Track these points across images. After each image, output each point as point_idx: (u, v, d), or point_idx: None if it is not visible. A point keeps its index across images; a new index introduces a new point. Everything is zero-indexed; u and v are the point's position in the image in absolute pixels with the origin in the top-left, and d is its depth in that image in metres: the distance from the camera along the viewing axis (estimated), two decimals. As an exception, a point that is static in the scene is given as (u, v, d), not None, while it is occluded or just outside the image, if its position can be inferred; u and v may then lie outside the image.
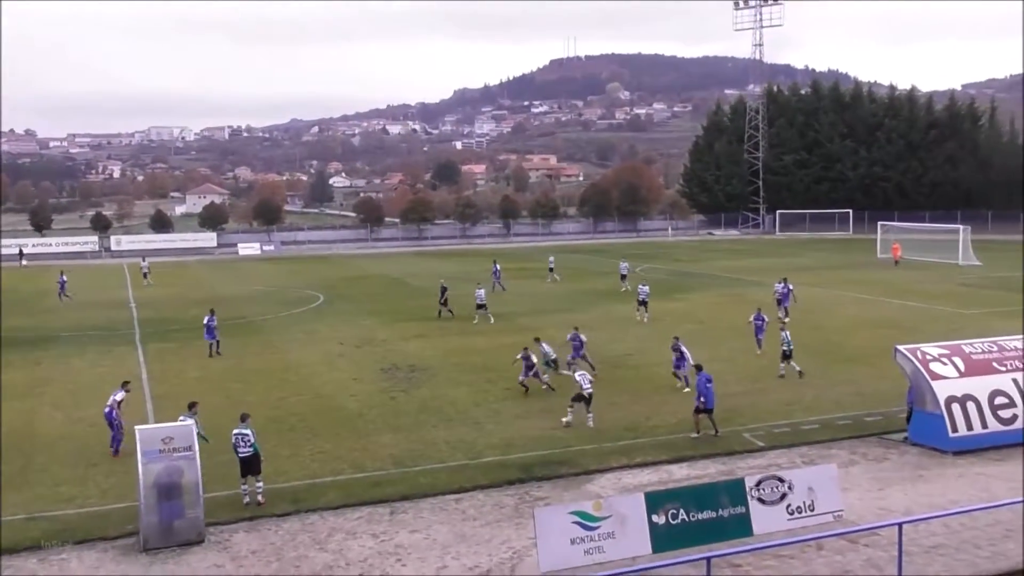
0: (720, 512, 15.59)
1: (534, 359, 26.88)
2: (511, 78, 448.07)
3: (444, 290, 43.15)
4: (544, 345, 28.40)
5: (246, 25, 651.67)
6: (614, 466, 20.19)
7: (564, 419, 23.13)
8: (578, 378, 23.33)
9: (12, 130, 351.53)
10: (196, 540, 16.27)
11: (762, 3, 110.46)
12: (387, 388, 28.27)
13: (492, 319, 40.70)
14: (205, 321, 34.46)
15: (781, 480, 16.29)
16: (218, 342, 34.21)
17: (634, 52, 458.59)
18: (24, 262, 79.90)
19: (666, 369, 28.12)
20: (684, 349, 27.35)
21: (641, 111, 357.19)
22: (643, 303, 40.28)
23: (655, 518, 15.16)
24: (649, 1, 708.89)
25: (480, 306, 41.23)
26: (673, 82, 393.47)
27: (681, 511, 15.34)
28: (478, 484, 19.09)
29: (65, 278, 53.17)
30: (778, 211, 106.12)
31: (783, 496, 16.10)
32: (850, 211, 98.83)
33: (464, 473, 19.83)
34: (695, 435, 21.88)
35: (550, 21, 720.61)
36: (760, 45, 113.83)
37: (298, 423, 24.19)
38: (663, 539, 15.06)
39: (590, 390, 23.00)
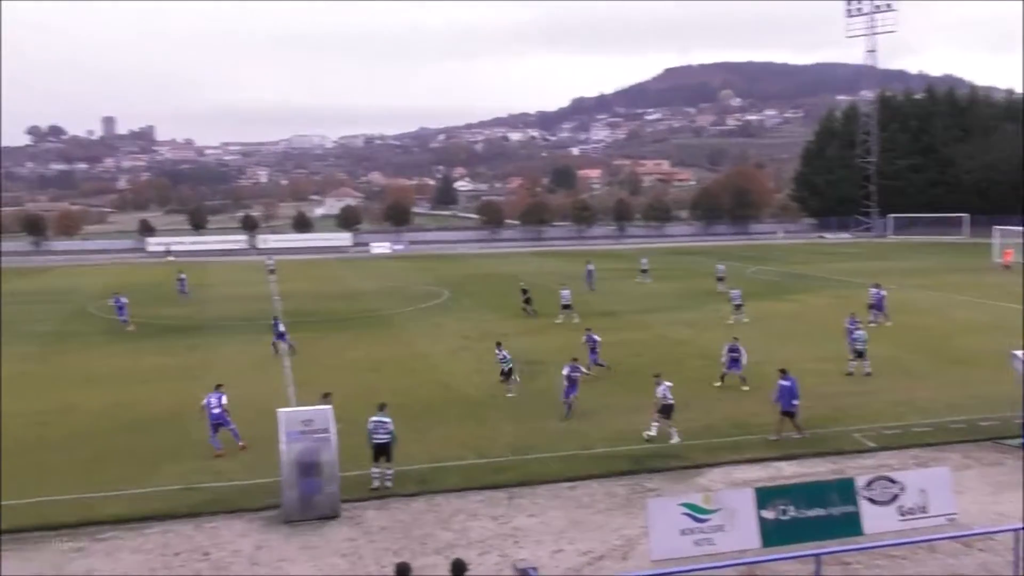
0: (830, 510, 15.06)
1: (583, 369, 25.41)
2: (626, 87, 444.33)
3: (525, 291, 43.00)
4: (503, 351, 26.75)
5: (379, 42, 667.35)
6: (723, 461, 19.78)
7: (646, 432, 21.37)
8: (660, 391, 21.48)
9: (174, 139, 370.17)
10: (331, 515, 16.73)
11: (875, 9, 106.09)
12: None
13: (577, 318, 39.55)
14: (273, 323, 33.91)
15: (893, 481, 15.60)
16: (291, 345, 33.19)
17: (745, 60, 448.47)
18: (171, 257, 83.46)
19: (773, 368, 27.30)
20: (742, 350, 26.69)
21: (752, 117, 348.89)
22: (738, 307, 39.52)
23: (765, 513, 14.76)
24: (762, 4, 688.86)
25: (565, 306, 40.53)
26: (784, 89, 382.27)
27: (791, 508, 14.88)
28: (591, 473, 19.01)
29: (184, 276, 54.30)
30: (891, 215, 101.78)
31: (895, 497, 15.42)
32: (966, 215, 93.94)
33: (577, 462, 19.76)
34: (798, 435, 21.11)
35: (664, 32, 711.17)
36: (873, 51, 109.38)
37: (424, 410, 24.57)
38: (773, 534, 14.65)
39: (672, 400, 21.37)
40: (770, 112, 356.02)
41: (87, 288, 57.97)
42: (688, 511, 14.55)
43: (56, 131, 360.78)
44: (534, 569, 12.31)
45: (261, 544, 15.69)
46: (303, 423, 17.04)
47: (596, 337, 29.53)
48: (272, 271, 64.49)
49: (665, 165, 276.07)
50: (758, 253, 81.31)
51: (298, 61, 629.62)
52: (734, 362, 26.60)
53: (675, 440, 21.09)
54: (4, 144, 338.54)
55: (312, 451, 16.81)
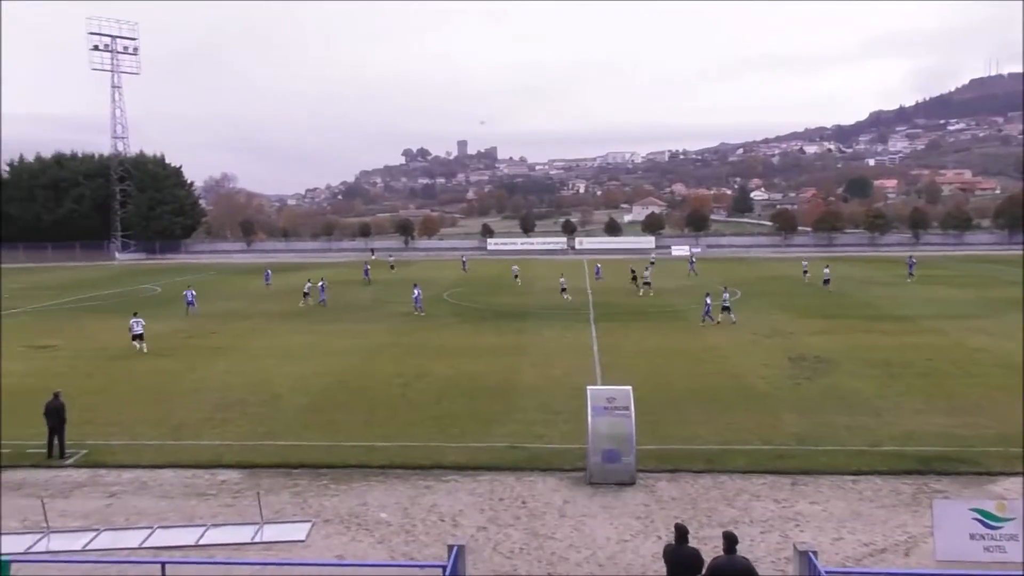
0: None
1: None
2: (927, 99, 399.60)
3: (634, 272, 48.01)
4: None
5: (685, 63, 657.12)
6: (1020, 471, 17.20)
7: None
8: None
9: (511, 157, 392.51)
10: (628, 482, 16.87)
11: None
12: (793, 375, 26.89)
13: (734, 319, 37.65)
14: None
15: None
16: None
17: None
18: (373, 256, 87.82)
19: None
20: None
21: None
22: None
23: (1067, 529, 12.64)
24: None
25: (725, 308, 38.08)
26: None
27: (1098, 526, 12.60)
28: (876, 469, 17.41)
29: (369, 266, 63.97)
30: None
31: None
32: None
33: (862, 458, 18.18)
34: None
35: (971, 42, 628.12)
36: None
37: (713, 397, 23.95)
38: (1075, 551, 12.50)
39: None
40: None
41: (442, 279, 63.39)
42: (979, 516, 12.84)
43: (423, 153, 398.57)
44: (814, 552, 11.55)
45: (568, 499, 16.22)
46: (607, 400, 17.34)
47: None
48: (516, 276, 60.68)
49: (967, 175, 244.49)
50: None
51: (613, 85, 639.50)
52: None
53: None
54: (385, 163, 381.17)
55: (614, 425, 17.06)
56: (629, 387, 17.97)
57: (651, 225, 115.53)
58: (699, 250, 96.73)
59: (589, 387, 18.32)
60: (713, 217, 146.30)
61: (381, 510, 15.86)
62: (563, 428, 20.84)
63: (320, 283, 49.71)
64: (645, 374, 26.33)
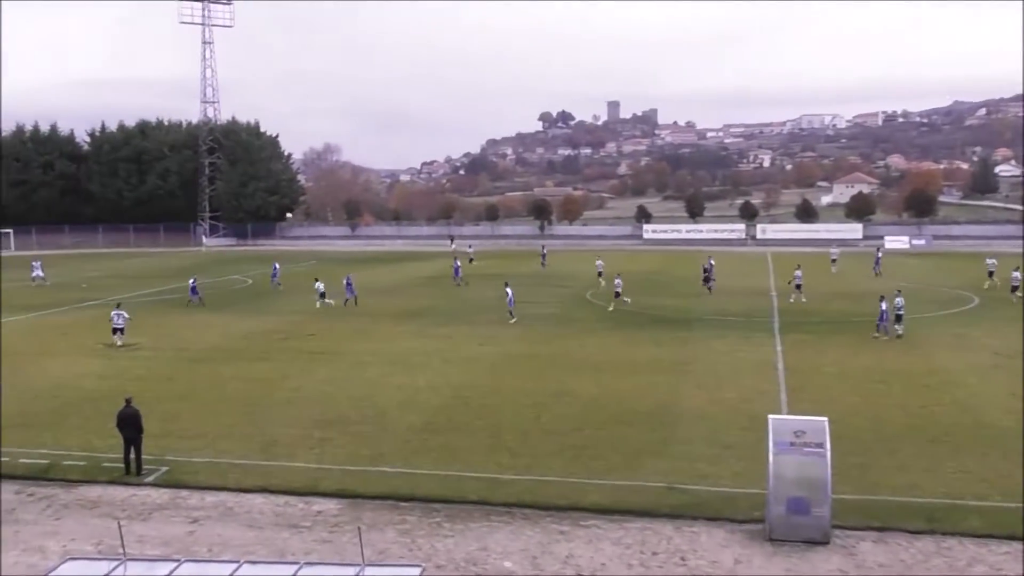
0: None
1: None
2: None
3: (706, 269, 53.77)
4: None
5: (913, 10, 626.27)
6: None
7: None
8: None
9: (675, 122, 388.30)
10: (820, 540, 16.38)
11: None
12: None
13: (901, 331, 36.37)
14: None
15: None
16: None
17: None
18: (453, 245, 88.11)
19: None
20: None
21: None
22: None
23: None
24: None
25: (899, 315, 36.90)
26: None
27: None
28: None
29: (459, 263, 61.90)
30: None
31: None
32: None
33: None
34: None
35: None
36: None
37: (940, 435, 22.83)
38: None
39: None
40: None
41: (583, 274, 63.53)
42: None
43: (565, 117, 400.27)
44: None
45: (741, 559, 15.91)
46: (794, 434, 16.87)
47: None
48: (600, 274, 58.98)
49: None
50: None
51: (809, 30, 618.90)
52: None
53: None
54: (518, 131, 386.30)
55: (803, 466, 16.58)
56: (824, 418, 17.44)
57: (857, 209, 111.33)
58: (922, 242, 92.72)
59: (771, 416, 17.96)
60: (943, 199, 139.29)
61: (505, 558, 16.09)
62: (736, 467, 20.48)
63: (345, 278, 51.32)
64: (846, 402, 25.46)
